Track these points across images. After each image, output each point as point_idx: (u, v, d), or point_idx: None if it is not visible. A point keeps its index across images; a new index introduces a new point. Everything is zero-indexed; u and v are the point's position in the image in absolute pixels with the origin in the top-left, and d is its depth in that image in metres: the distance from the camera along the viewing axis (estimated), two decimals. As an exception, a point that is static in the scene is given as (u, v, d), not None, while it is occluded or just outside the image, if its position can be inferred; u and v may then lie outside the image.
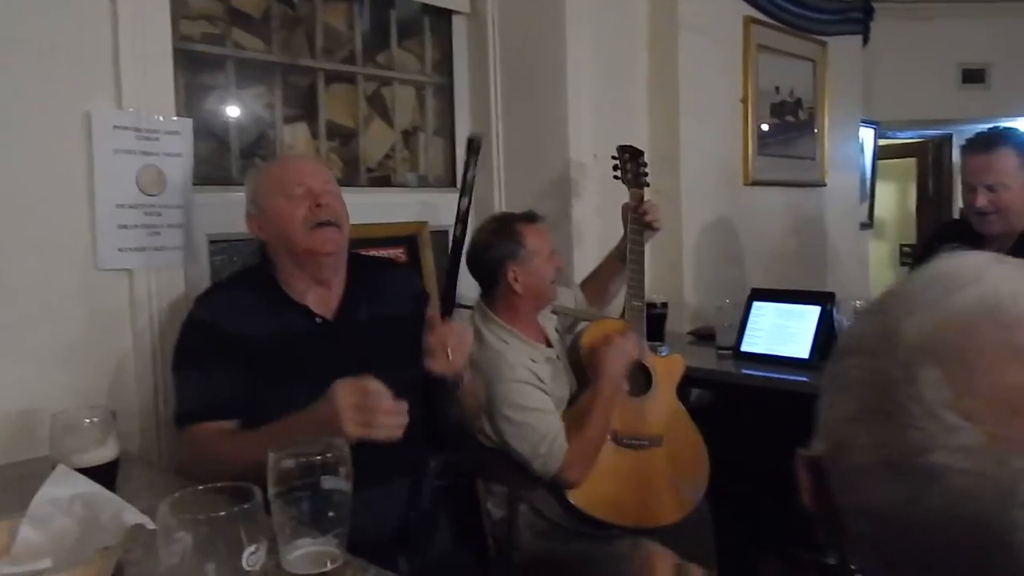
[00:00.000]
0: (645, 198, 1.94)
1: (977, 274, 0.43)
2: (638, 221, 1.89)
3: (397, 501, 1.39)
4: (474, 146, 1.44)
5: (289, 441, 1.16)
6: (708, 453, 1.86)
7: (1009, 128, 2.11)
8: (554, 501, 1.69)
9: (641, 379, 1.86)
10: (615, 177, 1.95)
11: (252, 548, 0.73)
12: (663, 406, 1.85)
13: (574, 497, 1.68)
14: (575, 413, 1.72)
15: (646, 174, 1.98)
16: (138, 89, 1.55)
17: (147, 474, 1.34)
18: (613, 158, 1.96)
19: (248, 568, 0.72)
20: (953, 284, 0.43)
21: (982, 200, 1.97)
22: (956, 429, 0.39)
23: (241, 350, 1.32)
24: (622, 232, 1.94)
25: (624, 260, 1.90)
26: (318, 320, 1.39)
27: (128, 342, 1.58)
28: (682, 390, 1.94)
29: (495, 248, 1.75)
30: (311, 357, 1.34)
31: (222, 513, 0.72)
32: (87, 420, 1.12)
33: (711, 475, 1.84)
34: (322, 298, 1.42)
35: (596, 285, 2.03)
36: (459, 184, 1.37)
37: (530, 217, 1.80)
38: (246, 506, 0.73)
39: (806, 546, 2.18)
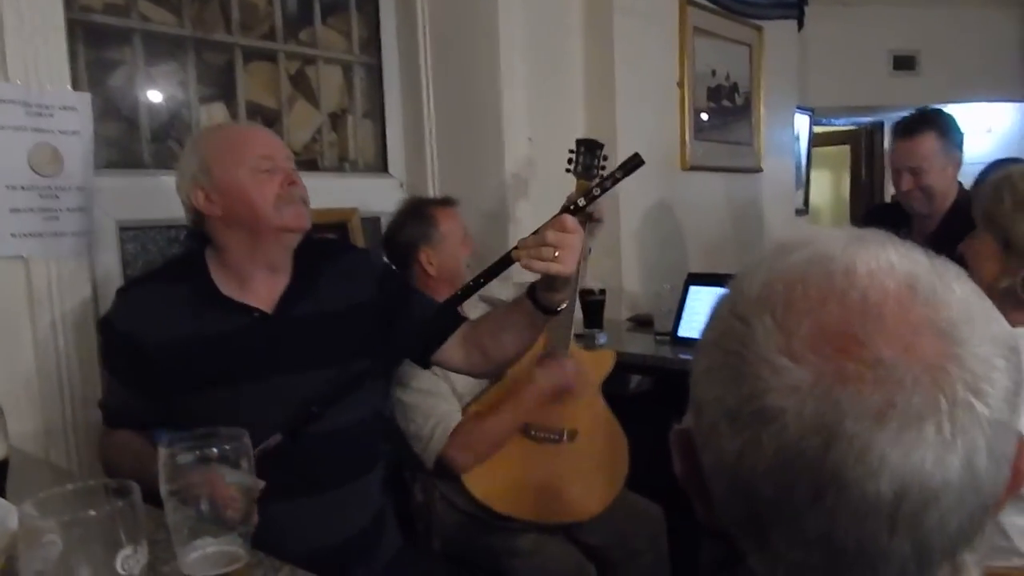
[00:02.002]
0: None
1: (812, 238, 0.45)
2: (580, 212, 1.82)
3: (351, 504, 1.33)
4: (633, 163, 1.24)
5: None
6: (644, 441, 1.81)
7: (935, 110, 2.15)
8: (459, 489, 1.65)
9: None
10: (567, 170, 1.86)
11: (128, 550, 0.65)
12: (582, 402, 1.79)
13: (469, 484, 1.63)
14: (485, 403, 1.69)
15: (602, 167, 1.87)
16: (27, 61, 1.43)
17: (51, 478, 1.27)
18: (570, 151, 1.87)
19: (123, 572, 0.65)
20: (789, 247, 0.45)
21: (907, 183, 2.05)
22: (784, 370, 0.40)
23: (160, 359, 1.23)
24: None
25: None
26: (256, 314, 1.28)
27: (27, 336, 1.47)
28: (620, 378, 1.91)
29: (407, 230, 1.80)
30: (247, 355, 1.25)
31: (92, 512, 0.64)
32: None
33: (648, 461, 1.79)
34: (263, 287, 1.30)
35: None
36: (595, 187, 1.21)
37: (444, 201, 1.87)
38: (120, 503, 0.66)
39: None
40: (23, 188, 1.44)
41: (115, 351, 1.29)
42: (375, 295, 1.38)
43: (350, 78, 2.24)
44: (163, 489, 0.81)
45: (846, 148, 5.19)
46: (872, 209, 2.87)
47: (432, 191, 2.25)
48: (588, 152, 1.85)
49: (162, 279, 1.32)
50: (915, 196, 2.05)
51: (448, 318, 1.41)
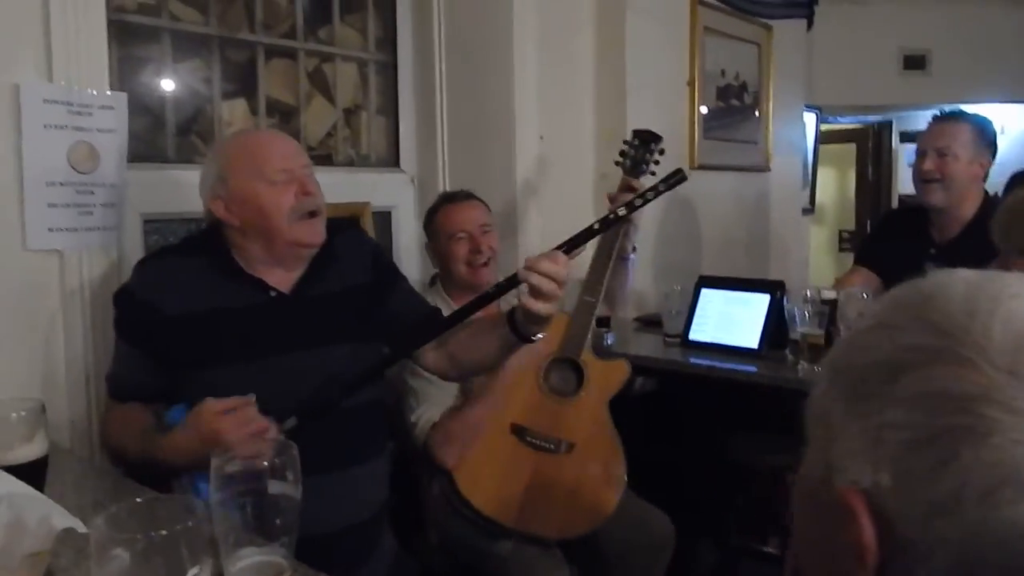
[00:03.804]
0: (638, 186, 1.74)
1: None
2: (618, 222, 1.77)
3: (359, 488, 1.36)
4: (676, 178, 1.26)
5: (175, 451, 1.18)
6: (644, 442, 1.80)
7: (976, 113, 2.15)
8: (450, 483, 1.64)
9: (572, 379, 1.74)
10: (616, 163, 1.81)
11: (195, 570, 0.68)
12: (586, 414, 1.72)
13: (457, 478, 1.63)
14: (471, 393, 1.70)
15: (656, 162, 1.78)
16: (70, 62, 1.49)
17: (77, 470, 1.30)
18: (625, 142, 1.80)
19: None
20: (1004, 292, 0.42)
21: (929, 164, 2.02)
22: None
23: (178, 330, 1.27)
24: (567, 216, 1.92)
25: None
26: (272, 293, 1.33)
27: (59, 327, 1.53)
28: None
29: (424, 228, 1.91)
30: (261, 333, 1.29)
31: (163, 532, 0.67)
32: (14, 414, 1.05)
33: (647, 463, 1.78)
34: (280, 276, 1.36)
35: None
36: (636, 199, 1.22)
37: (447, 197, 1.90)
38: (189, 523, 0.69)
39: (743, 534, 2.25)
40: (61, 184, 1.50)
41: (133, 320, 1.31)
42: (372, 275, 1.44)
43: (365, 75, 2.29)
44: (211, 497, 0.83)
45: (852, 146, 5.15)
46: (890, 214, 2.85)
47: (443, 187, 2.30)
48: (642, 145, 1.77)
49: (181, 252, 1.37)
50: (932, 186, 2.02)
51: (429, 315, 1.46)
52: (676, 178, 1.23)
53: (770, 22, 3.24)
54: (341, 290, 1.39)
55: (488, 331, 1.33)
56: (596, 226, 1.20)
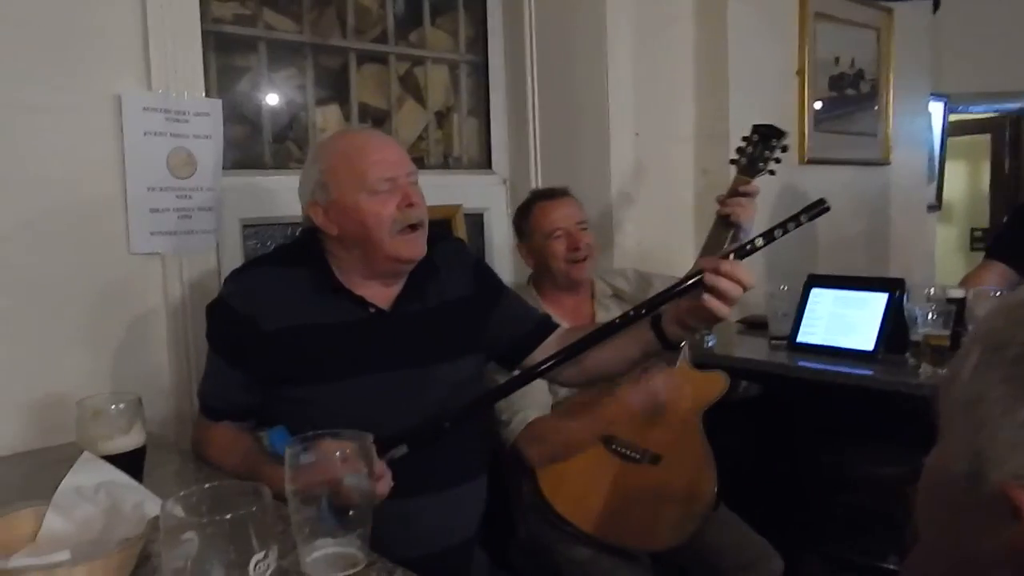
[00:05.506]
0: (752, 189, 1.63)
1: None
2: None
3: (455, 510, 1.31)
4: (818, 209, 1.15)
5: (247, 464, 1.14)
6: (745, 451, 1.75)
7: None
8: (535, 484, 1.61)
9: None
10: (731, 161, 1.70)
11: (260, 555, 0.68)
12: (676, 425, 1.67)
13: (541, 479, 1.60)
14: (571, 405, 1.65)
15: (778, 160, 1.67)
16: (168, 70, 1.53)
17: (178, 461, 1.33)
18: (743, 138, 1.68)
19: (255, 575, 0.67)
20: None
21: None
22: None
23: (276, 344, 1.21)
24: (664, 215, 1.86)
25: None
26: (371, 310, 1.26)
27: (162, 328, 1.58)
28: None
29: (515, 226, 1.87)
30: (360, 351, 1.24)
31: (228, 516, 0.67)
32: (113, 407, 1.10)
33: (747, 472, 1.72)
34: (378, 291, 1.29)
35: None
36: (776, 229, 1.11)
37: (540, 194, 1.85)
38: (254, 508, 0.68)
39: (847, 545, 2.10)
40: (161, 189, 1.55)
41: (228, 332, 1.25)
42: (474, 289, 1.38)
43: (456, 77, 2.27)
44: (287, 488, 0.82)
45: (986, 138, 4.76)
46: (1021, 207, 2.60)
47: (536, 188, 2.25)
48: (762, 141, 1.65)
49: (277, 263, 1.31)
50: None
51: (539, 323, 1.39)
52: (819, 208, 1.14)
53: (890, 4, 3.02)
54: (440, 305, 1.33)
55: (628, 340, 1.23)
56: (731, 256, 1.13)
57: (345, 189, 1.23)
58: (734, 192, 1.64)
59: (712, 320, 1.11)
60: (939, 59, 3.45)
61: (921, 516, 0.45)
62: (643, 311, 1.15)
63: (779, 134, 1.65)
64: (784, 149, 1.66)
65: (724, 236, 1.62)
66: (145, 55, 1.51)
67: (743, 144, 1.68)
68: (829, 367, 1.86)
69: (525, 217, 1.83)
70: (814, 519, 2.01)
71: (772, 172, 1.68)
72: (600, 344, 1.20)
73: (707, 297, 1.08)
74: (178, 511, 0.68)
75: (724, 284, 1.06)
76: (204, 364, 1.41)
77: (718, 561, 1.62)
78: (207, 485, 0.74)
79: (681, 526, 1.61)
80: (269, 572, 0.68)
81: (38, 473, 1.27)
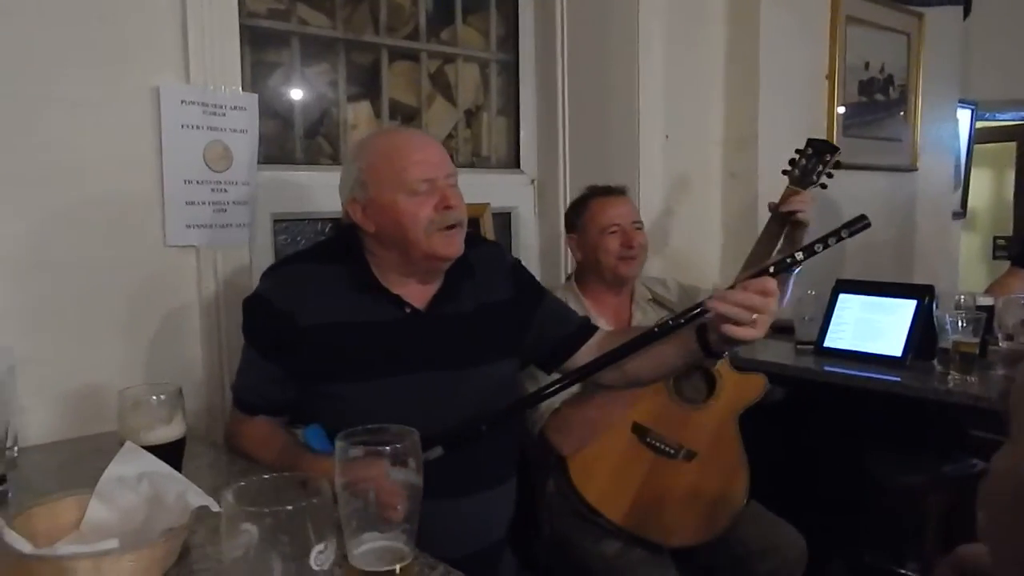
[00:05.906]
0: (806, 197, 1.67)
1: None
2: (780, 219, 1.67)
3: (485, 513, 1.32)
4: (859, 225, 1.19)
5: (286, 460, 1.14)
6: (769, 453, 1.72)
7: None
8: (564, 475, 1.61)
9: (702, 387, 1.73)
10: (783, 172, 1.73)
11: (321, 547, 0.67)
12: (712, 424, 1.69)
13: (571, 468, 1.60)
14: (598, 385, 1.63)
15: (830, 175, 1.71)
16: (205, 64, 1.54)
17: (211, 454, 1.33)
18: (797, 151, 1.74)
19: (316, 568, 0.67)
20: None
21: None
22: None
23: (309, 341, 1.21)
24: (692, 218, 1.86)
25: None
26: (407, 310, 1.26)
27: (195, 320, 1.58)
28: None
29: (567, 219, 1.87)
30: (395, 350, 1.23)
31: (288, 507, 0.66)
32: (154, 397, 1.10)
33: (772, 475, 1.70)
34: (415, 290, 1.29)
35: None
36: (817, 244, 1.14)
37: (601, 190, 1.85)
38: (315, 500, 0.68)
39: (870, 550, 2.09)
40: (197, 182, 1.55)
41: (265, 328, 1.25)
42: (513, 292, 1.37)
43: (486, 75, 2.27)
44: (336, 481, 0.81)
45: (1011, 145, 4.71)
46: None
47: (563, 188, 2.25)
48: (816, 155, 1.70)
49: (315, 259, 1.30)
50: None
51: (581, 326, 1.39)
52: (860, 224, 1.18)
53: (922, 9, 3.00)
54: (477, 308, 1.32)
55: (671, 347, 1.23)
56: (771, 269, 1.13)
57: (384, 188, 1.23)
58: (787, 201, 1.68)
59: (738, 343, 1.12)
60: (968, 65, 3.43)
61: (990, 519, 0.44)
62: (682, 320, 1.17)
63: (832, 149, 1.70)
64: (836, 164, 1.70)
65: (775, 242, 1.66)
66: (184, 48, 1.52)
67: (796, 156, 1.71)
68: (857, 372, 1.86)
69: (580, 210, 1.83)
70: (837, 524, 2.00)
71: (824, 186, 1.71)
72: (641, 350, 1.21)
73: (725, 325, 1.09)
74: (235, 501, 0.67)
75: (724, 308, 1.07)
76: (236, 358, 1.41)
77: (743, 549, 1.63)
78: (265, 476, 0.73)
79: (710, 524, 1.62)
80: (329, 564, 0.67)
81: (75, 462, 1.28)
